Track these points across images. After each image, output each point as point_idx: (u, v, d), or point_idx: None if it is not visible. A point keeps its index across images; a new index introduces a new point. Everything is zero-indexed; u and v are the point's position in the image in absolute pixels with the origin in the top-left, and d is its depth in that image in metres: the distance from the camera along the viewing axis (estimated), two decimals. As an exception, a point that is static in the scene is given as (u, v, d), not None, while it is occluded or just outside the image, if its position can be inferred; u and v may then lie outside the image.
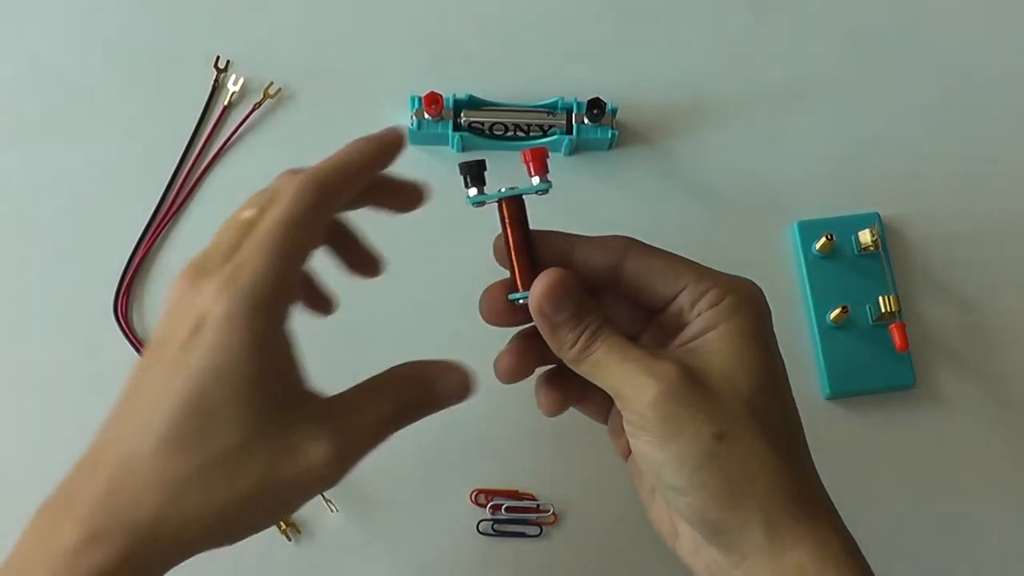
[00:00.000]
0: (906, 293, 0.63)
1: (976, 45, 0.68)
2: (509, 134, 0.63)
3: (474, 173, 0.43)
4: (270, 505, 0.38)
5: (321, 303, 0.47)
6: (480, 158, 0.43)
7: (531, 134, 0.63)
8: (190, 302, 0.37)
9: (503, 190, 0.42)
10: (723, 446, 0.37)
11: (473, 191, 0.43)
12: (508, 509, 0.59)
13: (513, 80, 0.66)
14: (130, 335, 0.61)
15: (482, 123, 0.63)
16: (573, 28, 0.68)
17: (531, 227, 0.42)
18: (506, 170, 0.64)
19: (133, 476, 0.36)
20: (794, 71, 0.68)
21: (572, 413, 0.61)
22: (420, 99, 0.62)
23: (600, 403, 0.45)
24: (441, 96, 0.62)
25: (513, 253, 0.42)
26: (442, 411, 0.61)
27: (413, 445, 0.60)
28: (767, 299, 0.41)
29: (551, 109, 0.64)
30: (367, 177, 0.42)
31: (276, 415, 0.37)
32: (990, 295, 0.63)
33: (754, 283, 0.41)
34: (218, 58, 0.65)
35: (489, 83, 0.65)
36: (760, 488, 0.38)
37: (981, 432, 0.61)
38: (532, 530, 0.59)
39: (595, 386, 0.41)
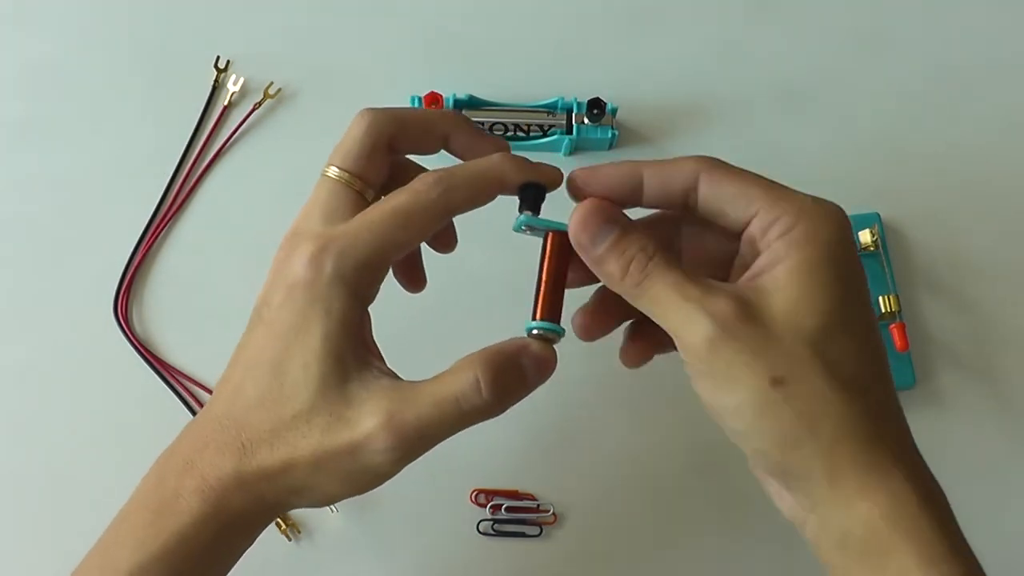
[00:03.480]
0: (906, 293, 0.63)
1: (977, 45, 0.68)
2: (509, 134, 0.63)
3: (532, 198, 0.41)
4: (333, 473, 0.38)
5: (415, 280, 0.49)
6: (541, 184, 0.41)
7: (531, 134, 0.63)
8: (287, 261, 0.39)
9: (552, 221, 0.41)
10: (781, 391, 0.35)
11: (527, 214, 0.41)
12: (508, 509, 0.59)
13: (513, 80, 0.66)
14: (130, 335, 0.61)
15: (482, 123, 0.63)
16: (573, 28, 0.68)
17: (542, 215, 0.41)
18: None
19: (224, 433, 0.39)
20: (794, 71, 0.68)
21: (571, 413, 0.61)
22: (420, 99, 0.62)
23: None
24: (441, 96, 0.62)
25: (543, 283, 0.41)
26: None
27: (413, 445, 0.60)
28: (848, 223, 0.38)
29: (551, 109, 0.64)
30: (495, 195, 0.41)
31: (340, 386, 0.38)
32: (990, 295, 0.63)
33: (834, 205, 0.38)
34: (218, 58, 0.65)
35: (489, 83, 0.65)
36: (823, 435, 0.35)
37: (981, 432, 0.61)
38: (532, 530, 0.59)
39: None
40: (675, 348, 0.42)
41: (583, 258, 0.39)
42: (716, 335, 0.35)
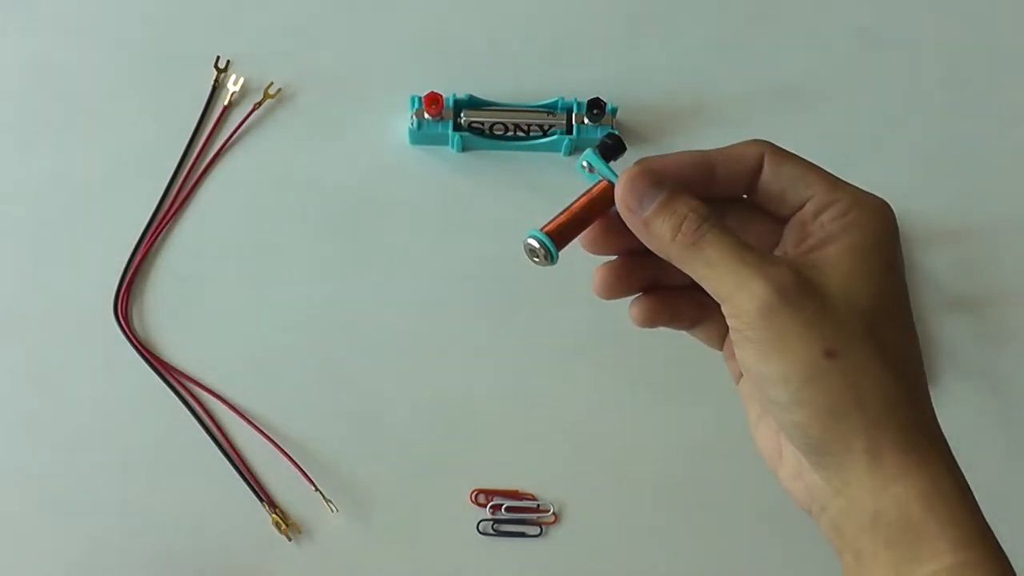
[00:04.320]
0: (906, 293, 0.63)
1: (977, 45, 0.68)
2: (509, 134, 0.63)
3: (612, 149, 0.40)
4: None
5: None
6: (623, 142, 0.40)
7: (531, 134, 0.63)
8: None
9: (616, 174, 0.39)
10: (833, 363, 0.35)
11: (594, 151, 0.40)
12: (508, 509, 0.59)
13: (513, 80, 0.66)
14: (130, 335, 0.61)
15: (482, 123, 0.63)
16: (573, 28, 0.68)
17: (562, 213, 0.40)
18: (507, 170, 0.65)
19: None
20: (794, 71, 0.68)
21: (572, 412, 0.61)
22: (420, 99, 0.62)
23: (715, 326, 0.42)
24: (441, 96, 0.62)
25: (567, 213, 0.40)
26: (442, 410, 0.62)
27: (413, 445, 0.60)
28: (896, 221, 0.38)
29: (551, 109, 0.64)
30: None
31: None
32: (991, 295, 0.63)
33: (885, 201, 0.38)
34: (218, 58, 0.65)
35: (489, 83, 0.65)
36: (869, 410, 0.35)
37: (981, 432, 0.61)
38: (532, 530, 0.59)
39: (710, 310, 0.39)
40: (684, 326, 0.43)
41: (630, 224, 0.38)
42: (773, 301, 0.35)
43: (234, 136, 0.64)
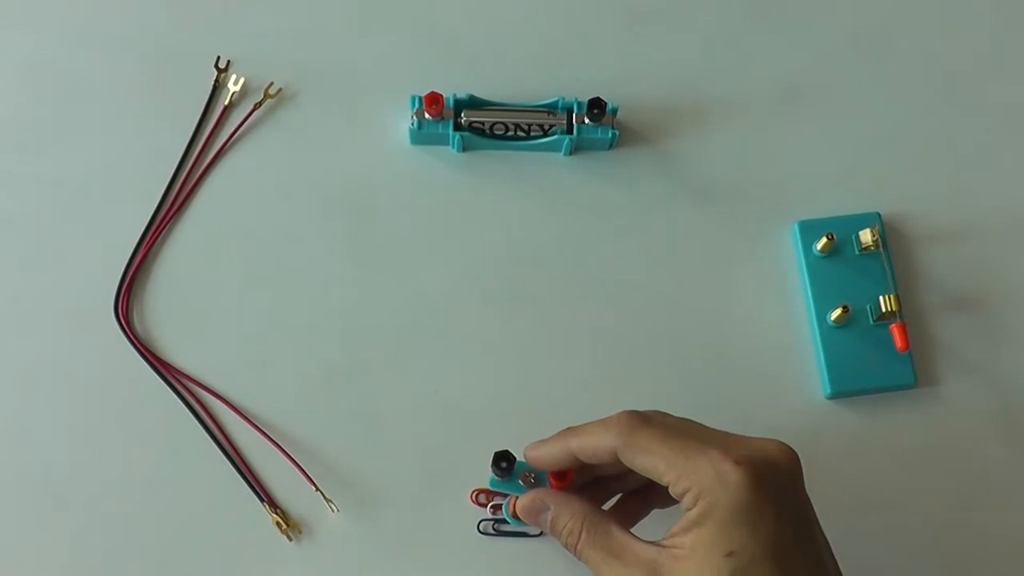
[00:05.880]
0: (907, 293, 0.63)
1: (978, 44, 0.68)
2: (509, 134, 0.63)
3: (505, 471, 0.51)
4: None
5: None
6: (513, 458, 0.51)
7: (531, 134, 0.63)
8: None
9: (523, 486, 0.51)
10: None
11: (494, 478, 0.52)
12: (508, 509, 0.59)
13: (513, 80, 0.66)
14: (130, 335, 0.61)
15: (482, 123, 0.63)
16: (573, 28, 0.68)
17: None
18: (508, 170, 0.65)
19: None
20: (795, 71, 0.68)
21: (573, 413, 0.61)
22: (420, 99, 0.62)
23: (663, 501, 0.51)
24: (441, 96, 0.62)
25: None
26: (442, 410, 0.62)
27: (413, 445, 0.60)
28: (759, 486, 0.41)
29: (551, 109, 0.64)
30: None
31: None
32: (991, 294, 0.63)
33: (748, 460, 0.42)
34: (218, 58, 0.65)
35: (489, 83, 0.65)
36: None
37: (981, 432, 0.61)
38: (532, 530, 0.59)
39: (651, 500, 0.51)
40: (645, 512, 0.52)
41: None
42: None
43: (234, 136, 0.64)
